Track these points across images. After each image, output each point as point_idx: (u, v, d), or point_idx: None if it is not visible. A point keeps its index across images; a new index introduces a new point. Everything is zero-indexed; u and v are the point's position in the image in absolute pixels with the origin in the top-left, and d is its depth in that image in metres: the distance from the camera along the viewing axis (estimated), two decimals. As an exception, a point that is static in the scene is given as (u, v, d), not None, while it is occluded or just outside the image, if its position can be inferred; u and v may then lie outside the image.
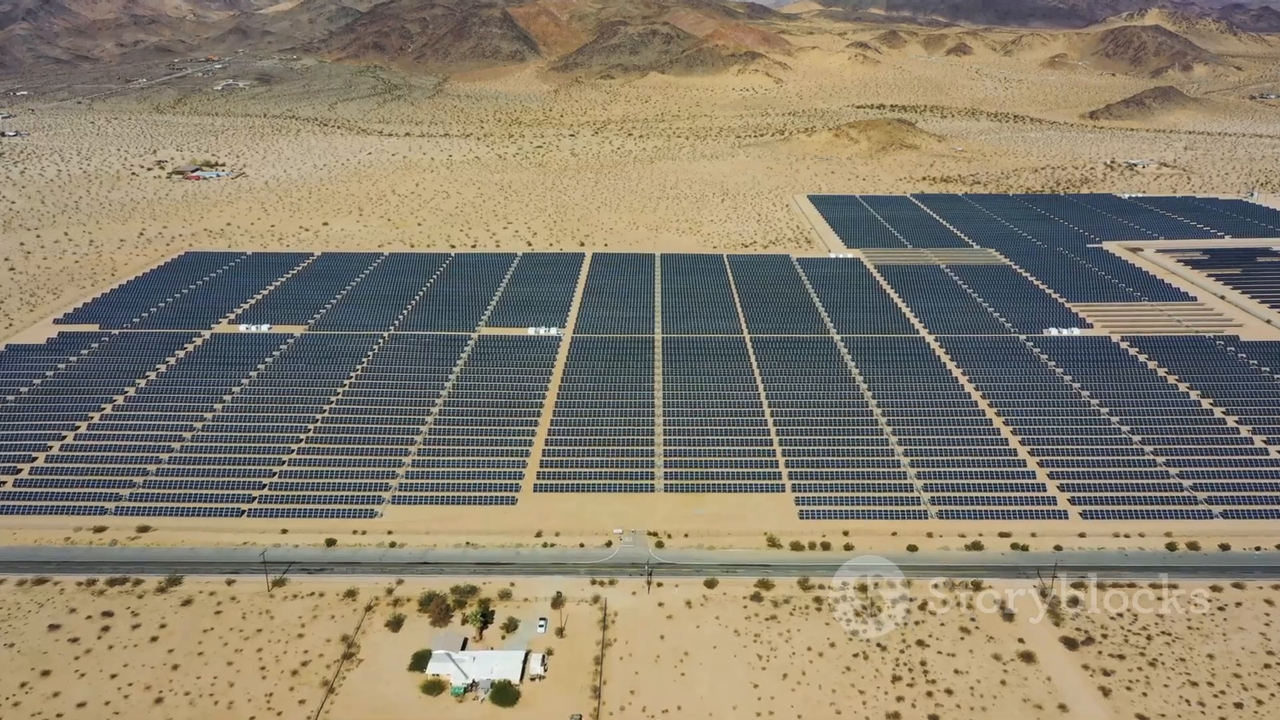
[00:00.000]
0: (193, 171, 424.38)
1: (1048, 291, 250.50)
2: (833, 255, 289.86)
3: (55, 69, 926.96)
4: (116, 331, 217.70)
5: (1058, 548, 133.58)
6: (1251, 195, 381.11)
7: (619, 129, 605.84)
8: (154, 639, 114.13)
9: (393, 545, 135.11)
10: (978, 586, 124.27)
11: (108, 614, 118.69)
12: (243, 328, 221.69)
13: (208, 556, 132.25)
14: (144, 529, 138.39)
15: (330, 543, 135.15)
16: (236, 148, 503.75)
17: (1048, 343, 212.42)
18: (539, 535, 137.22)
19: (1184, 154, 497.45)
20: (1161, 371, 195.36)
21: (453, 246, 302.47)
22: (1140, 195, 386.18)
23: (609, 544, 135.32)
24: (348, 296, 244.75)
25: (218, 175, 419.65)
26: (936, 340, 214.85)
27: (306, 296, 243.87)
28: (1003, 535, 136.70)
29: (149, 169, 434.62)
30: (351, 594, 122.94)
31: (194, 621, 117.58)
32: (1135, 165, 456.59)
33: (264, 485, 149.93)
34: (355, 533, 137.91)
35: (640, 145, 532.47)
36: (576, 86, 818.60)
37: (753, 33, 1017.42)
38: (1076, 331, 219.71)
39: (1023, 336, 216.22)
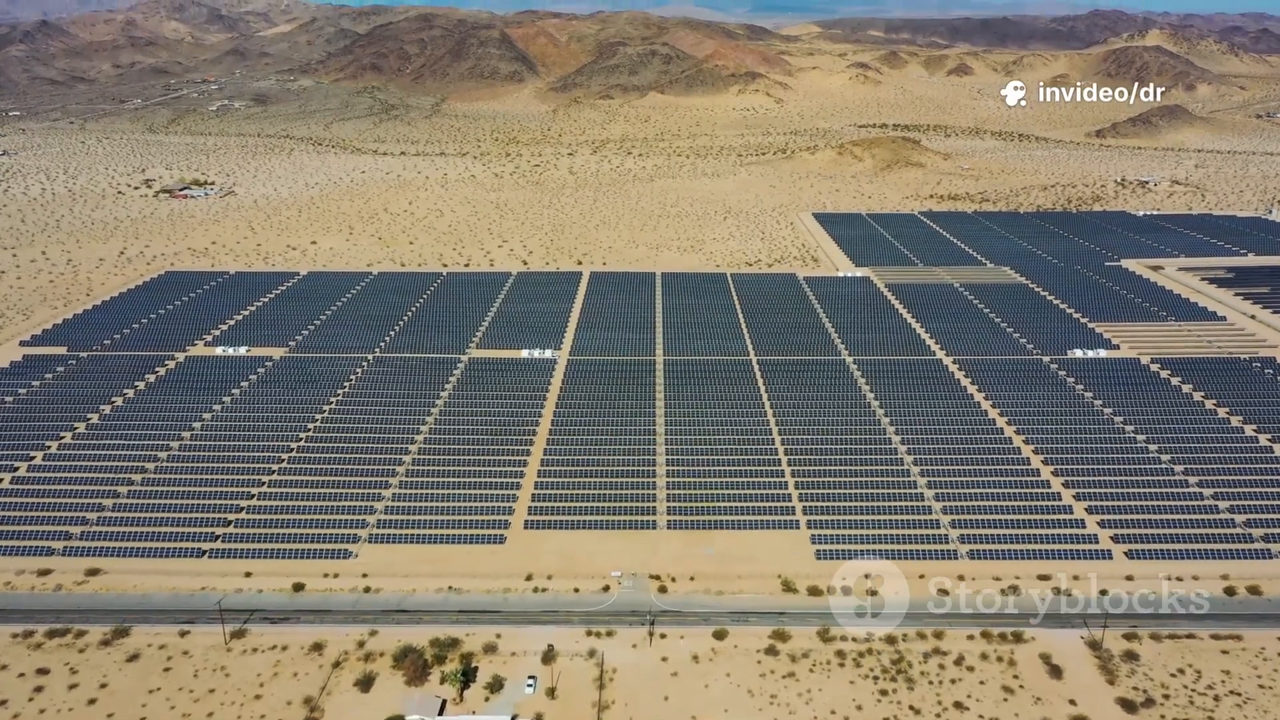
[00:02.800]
0: (180, 190, 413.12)
1: (1068, 311, 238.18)
2: (841, 274, 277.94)
3: (50, 90, 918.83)
4: (85, 354, 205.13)
5: (1104, 592, 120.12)
6: (1270, 212, 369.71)
7: (618, 148, 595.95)
8: (92, 701, 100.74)
9: (367, 590, 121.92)
10: (1019, 638, 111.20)
11: (43, 671, 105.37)
12: (219, 350, 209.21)
13: (161, 603, 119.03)
14: (93, 571, 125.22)
15: (298, 587, 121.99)
16: (228, 166, 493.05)
17: (1073, 364, 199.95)
18: (529, 579, 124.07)
19: (1195, 172, 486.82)
20: (1198, 395, 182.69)
21: (445, 265, 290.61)
22: (1155, 212, 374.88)
23: (606, 588, 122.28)
24: (332, 317, 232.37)
25: (206, 194, 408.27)
26: (954, 362, 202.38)
27: (289, 317, 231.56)
28: (1042, 578, 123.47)
29: (136, 188, 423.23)
30: (318, 647, 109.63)
31: (139, 680, 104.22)
32: (1147, 183, 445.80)
33: (229, 522, 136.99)
34: (326, 576, 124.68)
35: (640, 164, 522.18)
36: (575, 106, 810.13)
37: (753, 53, 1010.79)
38: (1103, 353, 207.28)
39: (1046, 358, 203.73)
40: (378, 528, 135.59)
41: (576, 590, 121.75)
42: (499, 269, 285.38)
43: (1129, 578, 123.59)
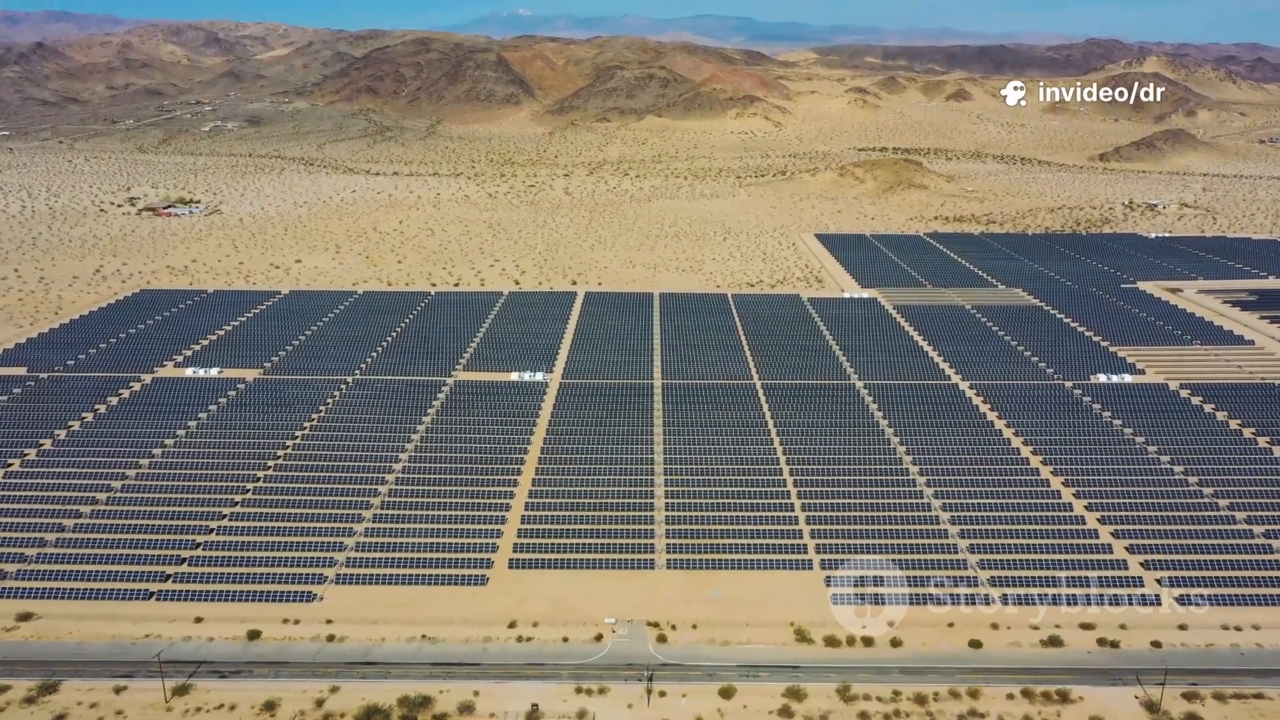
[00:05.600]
0: (165, 208, 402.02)
1: (1087, 334, 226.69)
2: (846, 295, 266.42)
3: (42, 110, 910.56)
4: (45, 375, 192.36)
5: (1156, 644, 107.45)
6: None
7: (615, 169, 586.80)
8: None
9: (331, 639, 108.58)
10: (1065, 697, 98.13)
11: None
12: (189, 371, 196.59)
13: (98, 653, 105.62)
14: (25, 616, 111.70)
15: (253, 635, 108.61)
16: (215, 185, 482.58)
17: (1098, 390, 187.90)
18: (513, 626, 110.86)
19: (1203, 195, 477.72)
20: (1234, 424, 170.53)
21: (433, 285, 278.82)
22: (1167, 235, 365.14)
23: (599, 637, 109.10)
24: (312, 337, 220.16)
25: (190, 212, 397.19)
26: (971, 387, 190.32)
27: (266, 337, 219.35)
28: (1084, 627, 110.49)
29: (119, 205, 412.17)
30: (270, 707, 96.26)
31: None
32: (1155, 205, 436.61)
33: (183, 560, 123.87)
34: (286, 621, 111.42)
35: (637, 185, 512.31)
36: (572, 129, 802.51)
37: (750, 77, 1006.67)
38: (1128, 378, 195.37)
39: (1068, 383, 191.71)
40: (347, 566, 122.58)
41: (565, 639, 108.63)
42: (490, 289, 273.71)
43: (1181, 626, 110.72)
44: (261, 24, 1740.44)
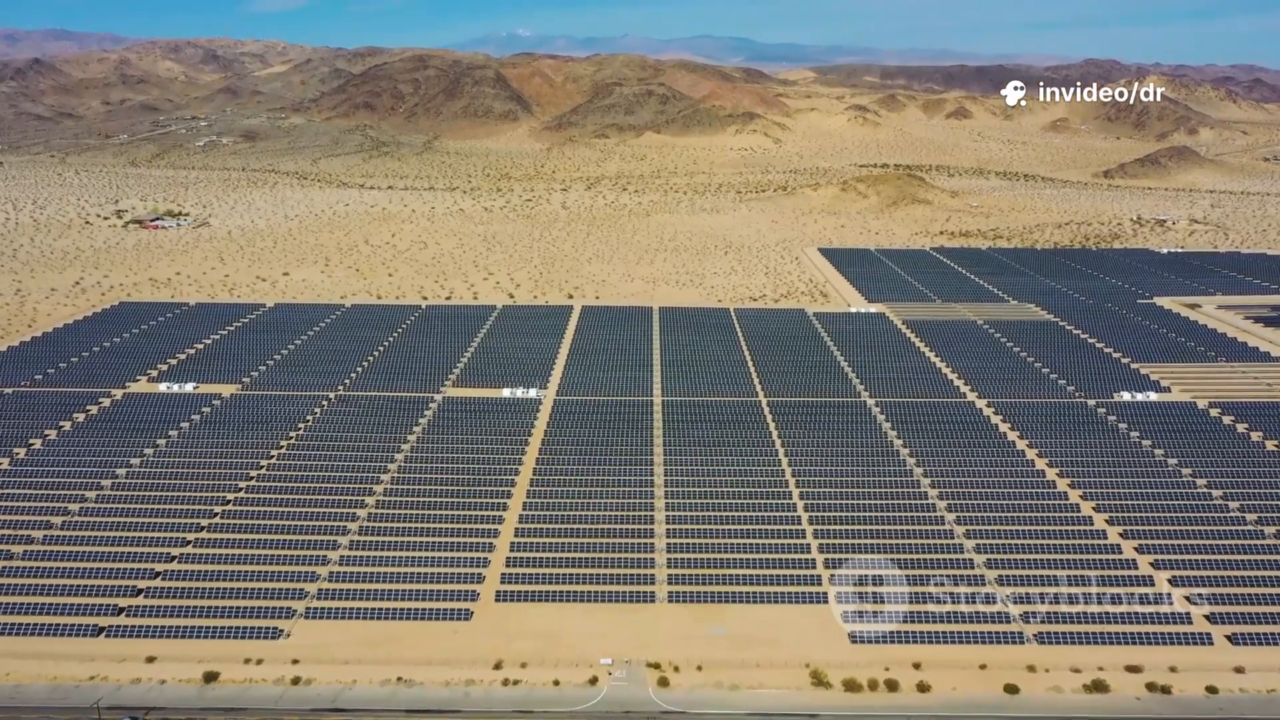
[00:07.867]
0: (152, 221, 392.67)
1: (1107, 350, 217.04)
2: (853, 309, 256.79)
3: (36, 125, 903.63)
4: (10, 390, 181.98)
5: (1211, 689, 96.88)
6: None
7: (613, 184, 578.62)
8: (-85, 840, 76.92)
9: (296, 682, 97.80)
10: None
11: None
12: (163, 386, 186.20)
13: (36, 698, 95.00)
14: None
15: (210, 677, 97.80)
16: (206, 198, 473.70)
17: (1123, 409, 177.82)
18: (499, 667, 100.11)
19: (1213, 211, 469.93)
20: (1271, 445, 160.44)
21: (425, 298, 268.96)
22: (1180, 250, 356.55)
23: (594, 680, 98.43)
24: (295, 352, 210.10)
25: (178, 224, 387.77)
26: (989, 405, 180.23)
27: (247, 351, 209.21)
28: (1130, 669, 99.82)
29: (105, 218, 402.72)
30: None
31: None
32: (1165, 221, 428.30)
33: (138, 591, 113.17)
34: (248, 661, 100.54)
35: (636, 199, 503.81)
36: (570, 145, 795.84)
37: (750, 94, 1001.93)
38: (1154, 396, 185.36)
39: (1091, 401, 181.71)
40: (318, 599, 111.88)
41: (556, 683, 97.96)
42: (483, 302, 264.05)
43: (1238, 669, 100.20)
44: (260, 41, 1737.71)
